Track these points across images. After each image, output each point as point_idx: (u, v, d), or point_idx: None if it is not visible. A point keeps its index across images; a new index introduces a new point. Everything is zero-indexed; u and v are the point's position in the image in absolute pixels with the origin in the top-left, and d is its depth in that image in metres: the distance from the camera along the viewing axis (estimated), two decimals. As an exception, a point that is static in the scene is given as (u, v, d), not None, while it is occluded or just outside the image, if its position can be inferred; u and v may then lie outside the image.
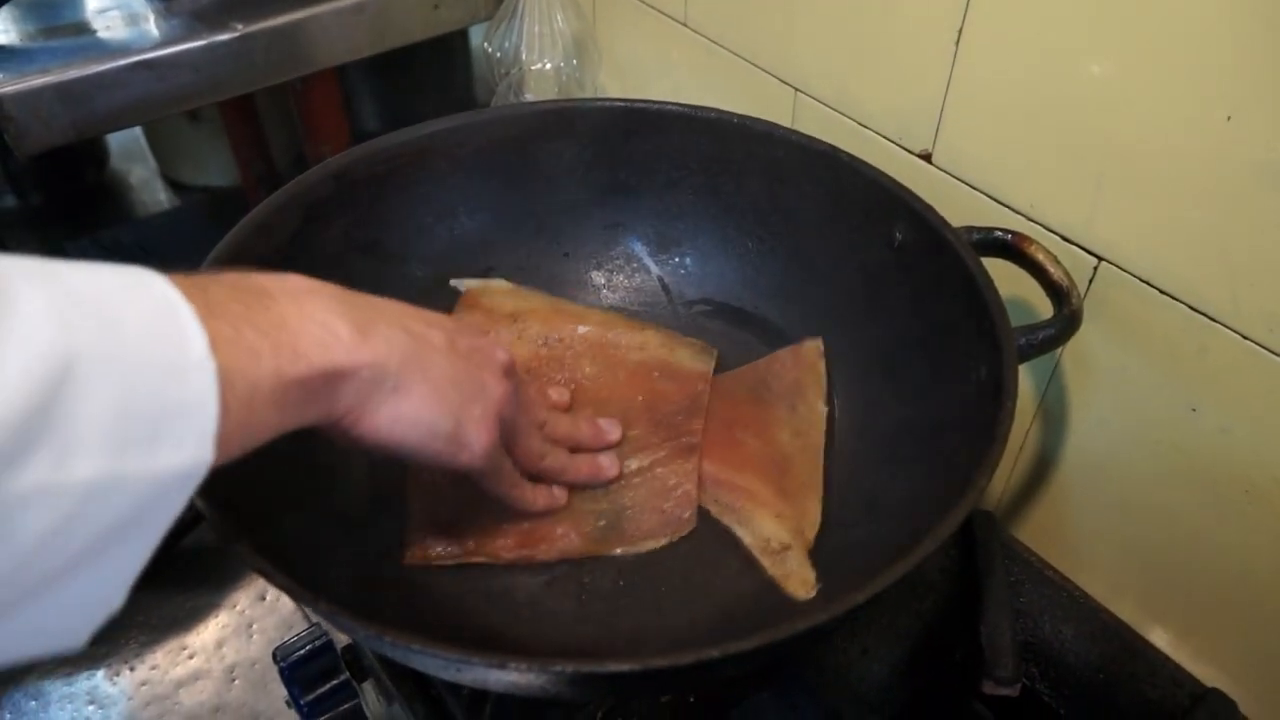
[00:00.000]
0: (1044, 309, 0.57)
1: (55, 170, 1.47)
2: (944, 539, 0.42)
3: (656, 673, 0.39)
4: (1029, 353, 0.54)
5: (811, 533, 0.57)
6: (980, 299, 0.52)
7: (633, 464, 0.60)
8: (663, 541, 0.57)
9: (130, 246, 1.43)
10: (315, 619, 0.68)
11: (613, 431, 0.61)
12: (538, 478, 0.57)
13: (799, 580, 0.54)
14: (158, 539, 0.33)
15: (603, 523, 0.58)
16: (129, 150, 1.68)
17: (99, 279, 0.32)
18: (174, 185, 1.63)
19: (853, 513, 0.58)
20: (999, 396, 0.47)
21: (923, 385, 0.58)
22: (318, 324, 0.39)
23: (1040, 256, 0.57)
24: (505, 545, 0.56)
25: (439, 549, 0.56)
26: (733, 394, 0.65)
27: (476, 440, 0.47)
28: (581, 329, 0.67)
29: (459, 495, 0.57)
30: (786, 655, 0.51)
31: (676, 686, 0.52)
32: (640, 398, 0.64)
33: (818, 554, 0.56)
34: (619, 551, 0.57)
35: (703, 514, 0.59)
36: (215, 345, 0.33)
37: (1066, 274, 0.56)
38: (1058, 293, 0.56)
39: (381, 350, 0.41)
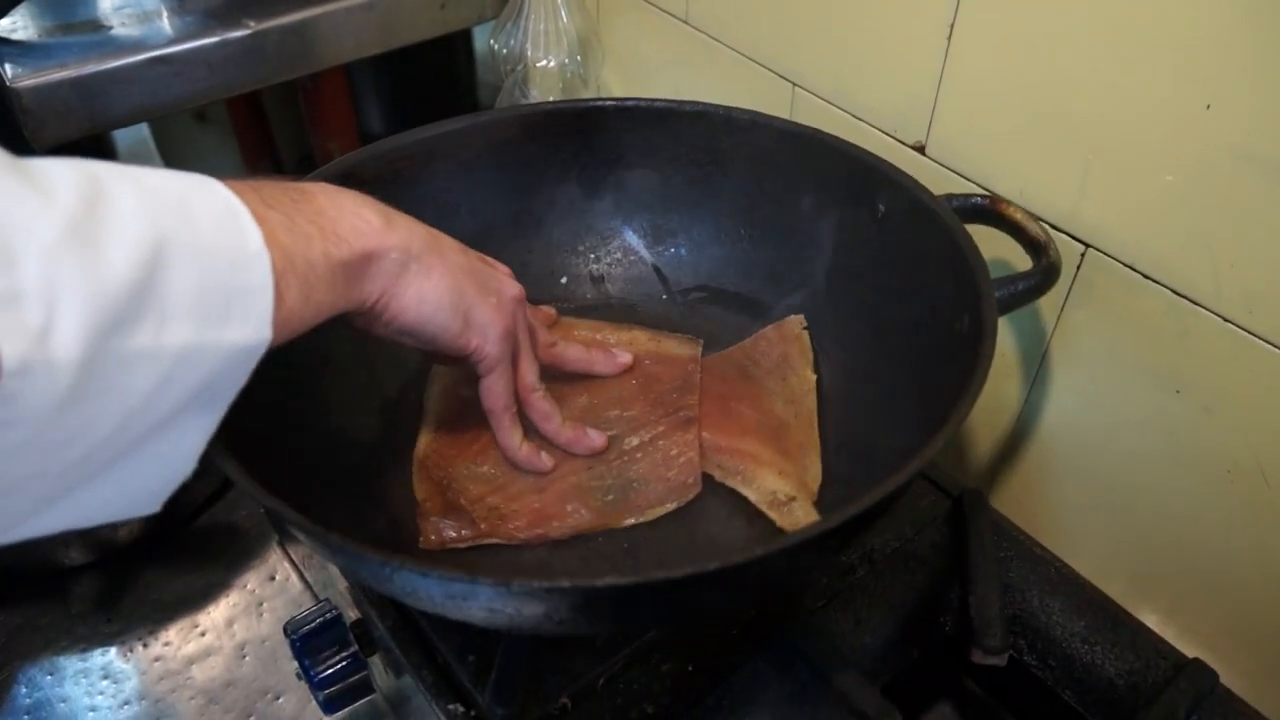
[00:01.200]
0: (1025, 267, 0.58)
1: (65, 170, 1.48)
2: (927, 460, 0.44)
3: (653, 589, 0.41)
4: (1012, 303, 0.56)
5: (815, 484, 0.59)
6: (960, 254, 0.55)
7: (634, 440, 0.62)
8: (670, 507, 0.59)
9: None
10: (324, 595, 0.69)
11: (597, 439, 0.61)
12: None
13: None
14: (225, 408, 0.37)
15: (611, 497, 0.59)
16: (137, 150, 1.70)
17: (172, 182, 0.36)
18: (181, 185, 1.65)
19: (851, 466, 0.60)
20: (980, 337, 0.50)
21: (911, 344, 0.60)
22: (351, 213, 0.44)
23: (1017, 216, 0.59)
24: (518, 526, 0.58)
25: (453, 533, 0.57)
26: (723, 373, 0.67)
27: (491, 324, 0.52)
28: (576, 333, 0.69)
29: (464, 480, 0.60)
30: (775, 580, 0.51)
31: (674, 611, 0.51)
32: (634, 381, 0.66)
33: (821, 506, 0.58)
34: (630, 522, 0.58)
35: (707, 481, 0.61)
36: (275, 231, 0.38)
37: (1043, 229, 0.58)
38: (1035, 247, 0.58)
39: (404, 235, 0.47)
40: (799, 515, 0.57)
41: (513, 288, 0.55)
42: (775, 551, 0.41)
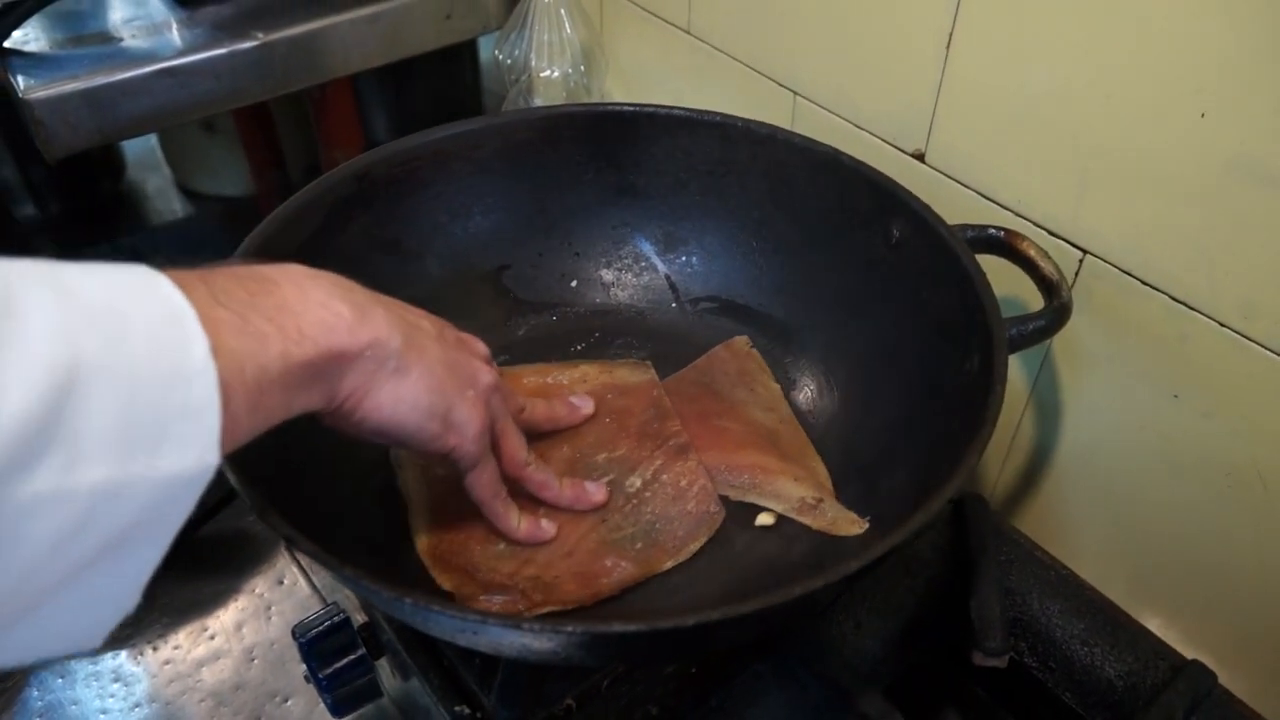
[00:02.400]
0: (1035, 302, 0.59)
1: (73, 179, 1.49)
2: (935, 513, 0.44)
3: (663, 634, 0.42)
4: (1021, 343, 0.56)
5: (828, 482, 0.60)
6: (973, 292, 0.55)
7: (636, 481, 0.60)
8: (704, 540, 0.58)
9: (148, 254, 1.46)
10: (332, 599, 0.70)
11: (596, 492, 0.59)
12: (527, 500, 0.57)
13: (846, 521, 0.57)
14: (169, 540, 0.33)
15: (639, 544, 0.57)
16: (145, 161, 1.71)
17: (104, 283, 0.32)
18: (189, 195, 1.65)
19: (854, 496, 0.60)
20: (989, 383, 0.50)
21: (919, 375, 0.60)
22: (319, 305, 0.40)
23: (1031, 252, 0.59)
24: (570, 590, 0.55)
25: (504, 607, 0.53)
26: (688, 393, 0.67)
27: (469, 422, 0.48)
28: (525, 380, 0.67)
29: (491, 562, 0.56)
30: (785, 621, 0.53)
31: (683, 651, 0.53)
32: (607, 419, 0.64)
33: (818, 536, 0.58)
34: (670, 564, 0.57)
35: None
36: (221, 334, 0.34)
37: (1056, 268, 0.58)
38: (1048, 286, 0.58)
39: (382, 331, 0.42)
40: (833, 513, 0.57)
41: (487, 375, 0.51)
42: (778, 604, 0.42)
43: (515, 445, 0.54)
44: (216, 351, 0.33)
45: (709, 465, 0.61)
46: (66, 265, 0.32)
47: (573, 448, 0.63)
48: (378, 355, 0.42)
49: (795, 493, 0.59)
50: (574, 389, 0.66)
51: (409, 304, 0.48)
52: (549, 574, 0.55)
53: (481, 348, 0.54)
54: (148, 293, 0.33)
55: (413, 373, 0.44)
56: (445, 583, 0.55)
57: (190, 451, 0.32)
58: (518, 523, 0.55)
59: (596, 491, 0.59)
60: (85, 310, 0.31)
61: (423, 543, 0.58)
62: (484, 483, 0.52)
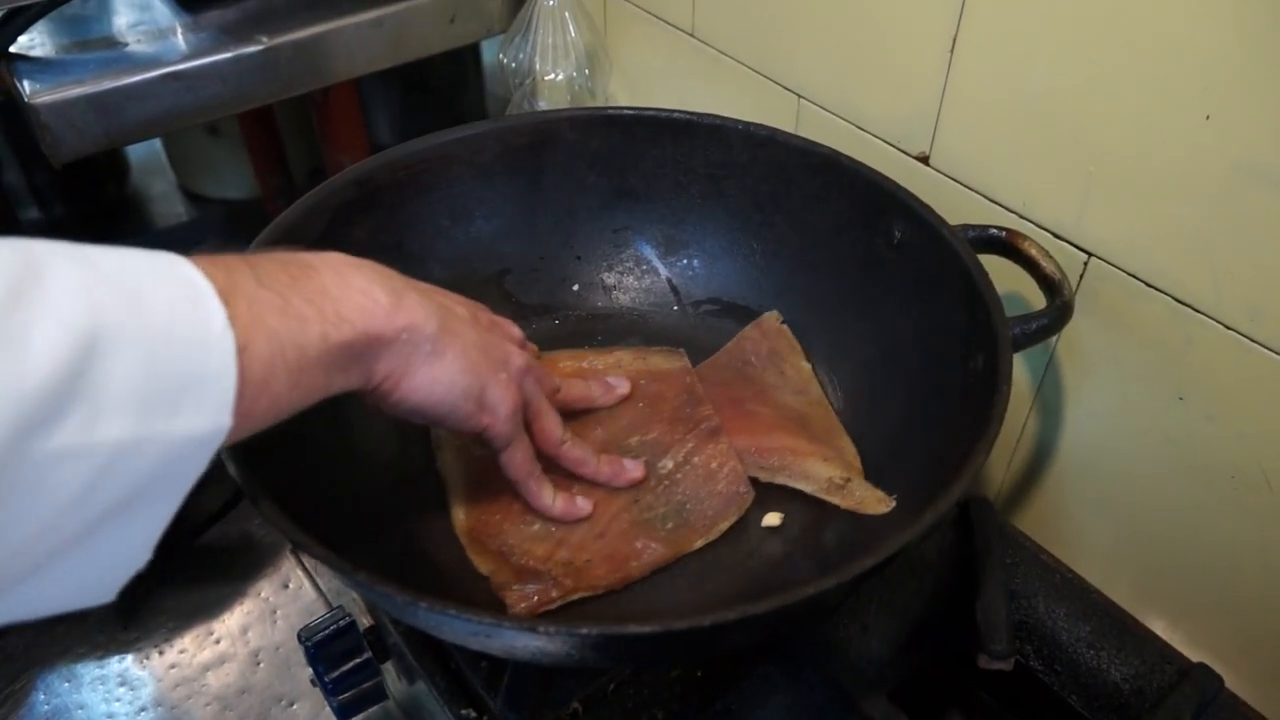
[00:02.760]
0: (1038, 301, 0.59)
1: (78, 183, 1.49)
2: (946, 510, 0.45)
3: (677, 635, 0.42)
4: (1024, 341, 0.56)
5: (856, 462, 0.60)
6: (976, 292, 0.55)
7: (668, 463, 0.62)
8: (733, 519, 0.59)
9: (152, 256, 1.47)
10: (337, 603, 0.70)
11: (634, 469, 0.60)
12: (562, 478, 0.58)
13: (874, 500, 0.58)
14: (180, 498, 0.35)
15: (670, 524, 0.58)
16: (149, 164, 1.71)
17: (127, 261, 0.34)
18: (193, 198, 1.66)
19: None
20: (994, 381, 0.50)
21: (924, 375, 0.61)
22: (358, 291, 0.42)
23: (1033, 252, 0.59)
24: (600, 574, 0.56)
25: (539, 596, 0.54)
26: (720, 379, 0.68)
27: (501, 403, 0.50)
28: (561, 364, 0.68)
29: (525, 544, 0.58)
30: (796, 621, 0.53)
31: (695, 652, 0.53)
32: (640, 404, 0.66)
33: (827, 532, 0.58)
34: (700, 543, 0.58)
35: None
36: (264, 313, 0.36)
37: (1058, 267, 0.59)
38: (1050, 285, 0.58)
39: (418, 316, 0.44)
40: (861, 493, 0.58)
41: (520, 357, 0.53)
42: (789, 604, 0.42)
43: (551, 424, 0.56)
44: (254, 326, 0.36)
45: (739, 448, 0.62)
46: (93, 246, 0.34)
47: (606, 431, 0.64)
48: (414, 339, 0.44)
49: (824, 473, 0.60)
50: (609, 373, 0.68)
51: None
52: (580, 557, 0.56)
53: (515, 330, 0.57)
54: (169, 270, 0.35)
55: (447, 355, 0.46)
56: (481, 566, 0.57)
57: (204, 414, 0.34)
58: (552, 500, 0.57)
59: (635, 468, 0.60)
60: (109, 280, 0.32)
61: (460, 522, 0.59)
62: (518, 461, 0.54)
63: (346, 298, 0.41)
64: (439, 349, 0.46)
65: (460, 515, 0.60)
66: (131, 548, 0.35)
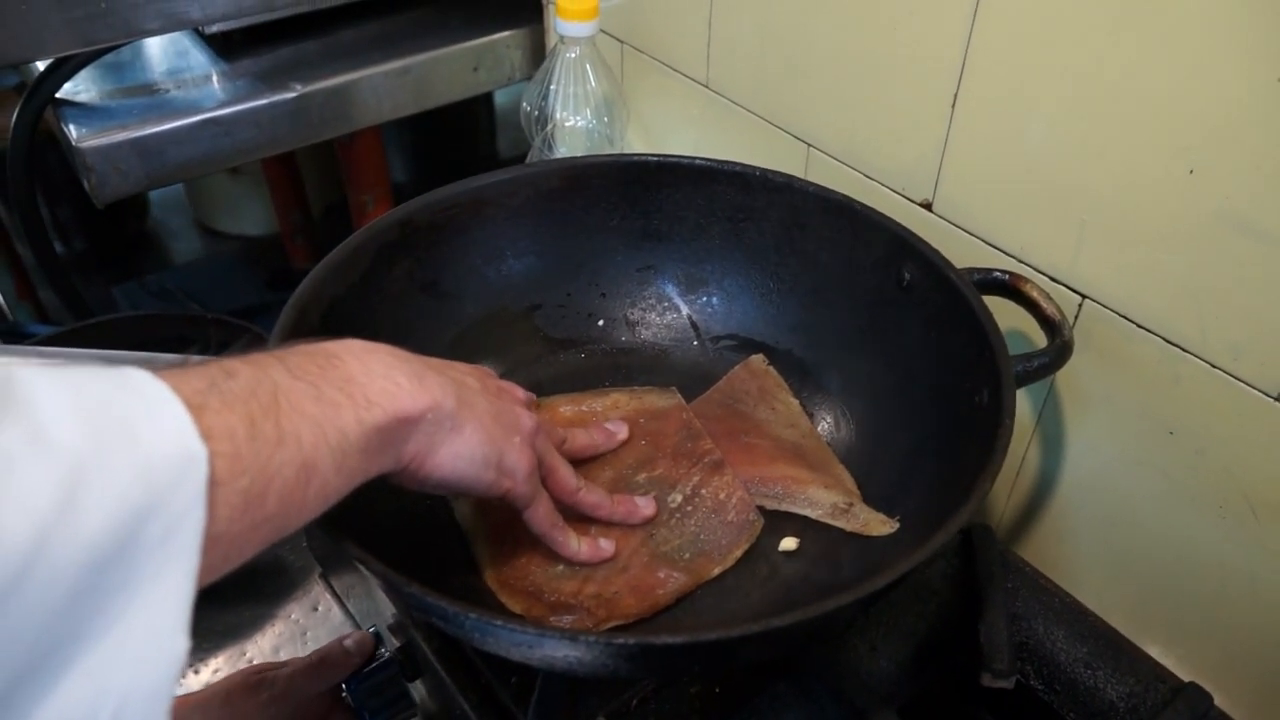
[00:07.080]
0: (1038, 339, 0.63)
1: (100, 219, 1.53)
2: (952, 534, 0.48)
3: (705, 646, 0.45)
4: (1026, 378, 0.60)
5: (854, 488, 0.64)
6: (981, 332, 0.58)
7: (677, 497, 0.64)
8: (746, 546, 0.62)
9: (173, 291, 1.51)
10: (370, 625, 0.73)
11: (646, 505, 0.63)
12: (579, 521, 0.61)
13: (877, 523, 0.61)
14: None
15: (687, 555, 0.61)
16: (168, 201, 1.75)
17: (97, 387, 0.32)
18: (212, 234, 1.70)
19: None
20: (999, 415, 0.53)
21: (931, 409, 0.64)
22: (381, 376, 0.43)
23: (1034, 294, 0.63)
24: (630, 604, 0.58)
25: (574, 626, 0.57)
26: (715, 414, 0.70)
27: (519, 466, 0.52)
28: (561, 409, 0.71)
29: (553, 582, 0.60)
30: (814, 636, 0.56)
31: (722, 664, 0.56)
32: (642, 442, 0.68)
33: (842, 556, 0.61)
34: (718, 571, 0.61)
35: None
36: (300, 402, 0.38)
37: (1058, 308, 0.62)
38: (1050, 325, 0.62)
39: (438, 394, 0.46)
40: (864, 516, 0.61)
41: (529, 419, 0.54)
42: (811, 617, 0.45)
43: (565, 476, 0.58)
44: (299, 415, 0.37)
45: (743, 479, 0.65)
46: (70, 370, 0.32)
47: (614, 471, 0.66)
48: (437, 417, 0.46)
49: (827, 499, 0.63)
50: (607, 415, 0.70)
51: (449, 359, 0.52)
52: (608, 590, 0.59)
53: (521, 393, 0.60)
54: (134, 393, 0.33)
55: (466, 429, 0.48)
56: (515, 606, 0.59)
57: (174, 558, 0.32)
58: (578, 546, 0.59)
59: (647, 505, 0.63)
60: (99, 415, 0.31)
61: (488, 572, 0.61)
62: (540, 516, 0.56)
63: (371, 383, 0.42)
64: (458, 424, 0.47)
65: (487, 566, 0.61)
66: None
